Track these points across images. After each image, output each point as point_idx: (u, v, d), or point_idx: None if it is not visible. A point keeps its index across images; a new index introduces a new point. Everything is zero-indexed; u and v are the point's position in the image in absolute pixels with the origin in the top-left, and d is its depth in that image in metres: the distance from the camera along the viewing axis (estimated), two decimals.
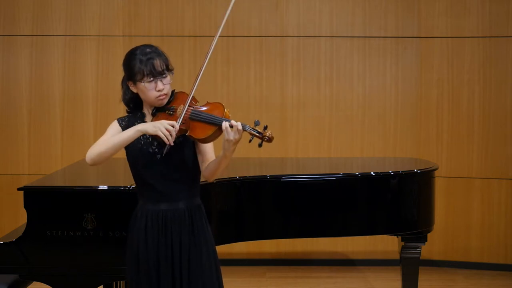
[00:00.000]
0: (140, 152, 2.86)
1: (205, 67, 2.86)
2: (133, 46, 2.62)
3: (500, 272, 5.83)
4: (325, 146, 5.96)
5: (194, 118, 2.79)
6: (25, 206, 3.32)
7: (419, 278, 4.11)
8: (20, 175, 5.91)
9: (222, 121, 2.71)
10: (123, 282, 4.07)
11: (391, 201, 3.85)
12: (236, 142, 2.71)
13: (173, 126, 2.71)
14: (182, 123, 2.77)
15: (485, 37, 5.83)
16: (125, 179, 3.98)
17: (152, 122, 2.76)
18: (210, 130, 2.75)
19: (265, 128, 2.71)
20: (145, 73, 2.79)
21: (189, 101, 2.81)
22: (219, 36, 2.89)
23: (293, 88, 5.99)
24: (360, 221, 3.83)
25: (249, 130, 2.70)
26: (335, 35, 5.98)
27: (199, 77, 2.84)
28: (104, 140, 2.87)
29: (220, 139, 2.79)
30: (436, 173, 4.15)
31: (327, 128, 5.97)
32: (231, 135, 2.69)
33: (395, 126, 6.01)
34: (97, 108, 5.97)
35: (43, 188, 3.41)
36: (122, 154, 6.31)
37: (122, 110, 6.26)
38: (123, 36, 5.94)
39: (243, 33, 5.94)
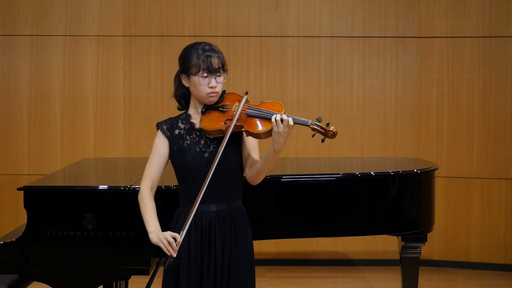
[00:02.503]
0: (189, 153, 2.88)
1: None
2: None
3: (500, 272, 5.83)
4: (325, 146, 5.95)
5: (251, 114, 2.86)
6: (25, 206, 3.32)
7: (419, 278, 4.10)
8: (20, 175, 5.91)
9: (279, 116, 2.78)
10: (123, 282, 4.07)
11: (391, 201, 3.85)
12: (286, 136, 2.79)
13: (175, 239, 2.74)
14: (238, 120, 2.83)
15: (485, 37, 5.83)
16: (125, 179, 3.98)
17: (158, 234, 2.80)
18: (269, 125, 2.82)
19: (327, 124, 2.83)
20: (202, 67, 2.85)
21: (245, 98, 2.88)
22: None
23: (293, 88, 5.99)
24: (360, 221, 3.83)
25: (312, 125, 2.82)
26: (335, 35, 5.98)
27: None
28: (152, 169, 2.95)
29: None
30: (436, 173, 4.14)
31: None
32: (280, 127, 2.76)
33: (395, 126, 6.01)
34: (97, 108, 5.97)
35: (43, 188, 3.41)
36: (121, 154, 6.26)
37: (122, 110, 6.22)
38: (123, 36, 5.94)
39: (243, 33, 5.94)
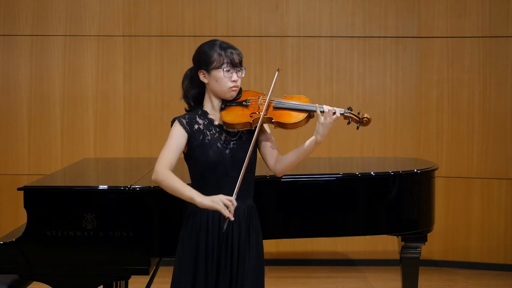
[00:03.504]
0: (210, 149, 2.87)
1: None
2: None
3: (500, 272, 5.83)
4: (325, 146, 5.95)
5: (280, 106, 2.90)
6: (25, 206, 3.32)
7: (419, 278, 4.10)
8: (20, 175, 5.91)
9: (314, 107, 2.85)
10: (123, 282, 4.07)
11: (391, 201, 3.85)
12: (330, 127, 2.85)
13: (231, 201, 2.73)
14: (265, 112, 2.87)
15: (485, 37, 5.83)
16: (125, 179, 3.98)
17: (211, 197, 2.75)
18: (300, 116, 2.86)
19: (359, 113, 2.91)
20: (225, 61, 2.89)
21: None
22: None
23: (293, 88, 5.98)
24: (360, 221, 3.83)
25: (346, 113, 2.89)
26: (335, 35, 5.98)
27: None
28: (169, 153, 2.84)
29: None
30: (436, 173, 4.14)
31: None
32: (327, 118, 2.83)
33: (395, 126, 6.01)
34: (97, 108, 5.97)
35: (43, 188, 3.41)
36: (121, 154, 6.24)
37: (122, 110, 6.22)
38: (123, 36, 5.94)
39: (243, 33, 5.94)
